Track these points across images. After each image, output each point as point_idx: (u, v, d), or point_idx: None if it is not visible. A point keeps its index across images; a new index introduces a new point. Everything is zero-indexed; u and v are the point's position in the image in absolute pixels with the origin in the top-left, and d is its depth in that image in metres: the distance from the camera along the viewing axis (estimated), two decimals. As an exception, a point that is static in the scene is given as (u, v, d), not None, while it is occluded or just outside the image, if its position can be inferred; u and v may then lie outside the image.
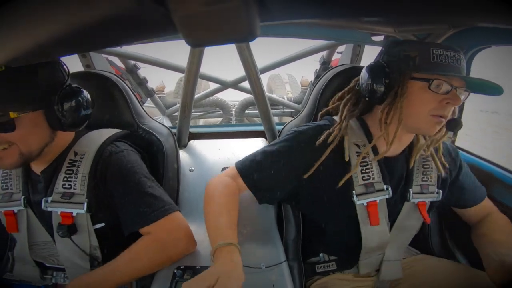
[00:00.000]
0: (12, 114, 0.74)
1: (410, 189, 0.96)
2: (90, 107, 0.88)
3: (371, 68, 0.89)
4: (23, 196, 0.90)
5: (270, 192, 0.95)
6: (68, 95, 0.82)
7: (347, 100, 0.97)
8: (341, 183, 0.91)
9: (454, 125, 0.85)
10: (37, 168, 0.92)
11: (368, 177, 0.92)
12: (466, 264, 1.14)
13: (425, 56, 0.81)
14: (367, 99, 0.90)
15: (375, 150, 0.94)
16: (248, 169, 0.94)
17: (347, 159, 0.91)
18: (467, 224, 1.09)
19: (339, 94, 1.04)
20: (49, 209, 0.86)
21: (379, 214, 0.93)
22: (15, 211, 0.91)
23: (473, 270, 0.98)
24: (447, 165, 0.97)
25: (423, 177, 0.98)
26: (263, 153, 0.95)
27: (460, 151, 1.29)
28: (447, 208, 1.11)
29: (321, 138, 0.91)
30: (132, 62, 2.23)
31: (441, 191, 0.99)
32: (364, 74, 0.91)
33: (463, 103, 1.06)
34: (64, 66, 0.86)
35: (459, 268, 1.01)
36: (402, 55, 0.85)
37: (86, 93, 0.87)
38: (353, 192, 0.91)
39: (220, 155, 1.43)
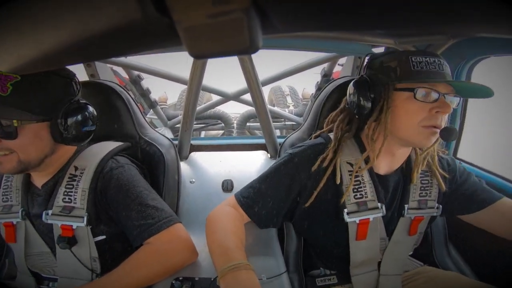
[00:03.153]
0: (16, 123, 0.75)
1: (406, 205, 0.95)
2: (94, 123, 0.89)
3: (356, 84, 0.88)
4: (21, 209, 0.91)
5: (272, 219, 0.94)
6: (73, 110, 0.83)
7: (340, 121, 0.96)
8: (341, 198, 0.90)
9: (447, 134, 0.81)
10: (38, 181, 0.93)
11: (361, 196, 0.90)
12: (472, 276, 1.12)
13: (405, 65, 0.80)
14: (356, 116, 0.89)
15: (370, 169, 0.92)
16: (248, 201, 0.93)
17: (338, 182, 0.89)
18: (472, 235, 1.06)
19: (332, 115, 1.03)
20: (49, 221, 0.87)
21: (368, 230, 0.92)
22: (14, 222, 0.91)
23: (479, 283, 0.96)
24: (447, 176, 0.96)
25: (421, 193, 0.96)
26: (261, 181, 0.94)
27: (463, 163, 1.29)
28: (452, 218, 1.08)
29: (316, 164, 0.90)
30: (136, 72, 2.26)
31: (441, 206, 0.97)
32: (350, 90, 0.90)
33: (465, 109, 1.04)
34: (77, 82, 0.87)
35: (464, 281, 0.98)
36: (382, 67, 0.84)
37: (92, 109, 0.88)
38: (345, 210, 0.90)
39: (221, 168, 1.43)
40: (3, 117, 0.74)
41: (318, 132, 1.07)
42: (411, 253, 1.05)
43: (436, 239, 1.19)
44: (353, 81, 0.90)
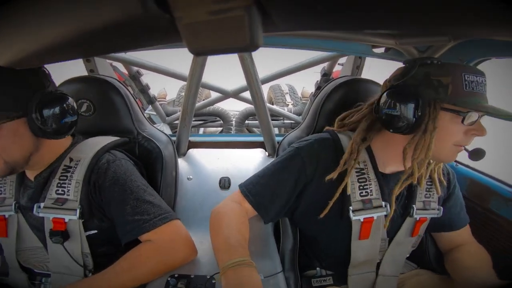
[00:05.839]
0: None
1: (414, 205, 0.95)
2: (74, 114, 0.85)
3: (396, 94, 0.80)
4: (14, 202, 0.89)
5: (277, 212, 0.94)
6: (48, 102, 0.78)
7: (361, 128, 0.91)
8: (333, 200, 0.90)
9: (477, 155, 0.80)
10: (31, 174, 0.91)
11: (366, 194, 0.91)
12: None
13: (457, 84, 0.74)
14: (390, 130, 0.82)
15: (375, 168, 0.92)
16: (254, 193, 0.92)
17: (349, 193, 0.89)
18: None
19: (352, 118, 0.98)
20: (41, 214, 0.85)
21: (371, 229, 0.92)
22: (6, 216, 0.90)
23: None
24: (445, 183, 0.98)
25: (426, 194, 0.97)
26: (266, 173, 0.94)
27: (459, 165, 1.30)
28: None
29: (336, 172, 0.87)
30: (135, 68, 2.24)
31: (442, 208, 0.98)
32: (387, 100, 0.82)
33: None
34: (45, 71, 0.82)
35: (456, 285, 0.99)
36: (430, 79, 0.77)
37: (69, 100, 0.84)
38: (350, 208, 0.90)
39: (219, 165, 1.43)
40: None
41: (330, 128, 1.03)
42: (408, 255, 1.06)
43: (430, 242, 1.19)
44: (391, 89, 0.83)
